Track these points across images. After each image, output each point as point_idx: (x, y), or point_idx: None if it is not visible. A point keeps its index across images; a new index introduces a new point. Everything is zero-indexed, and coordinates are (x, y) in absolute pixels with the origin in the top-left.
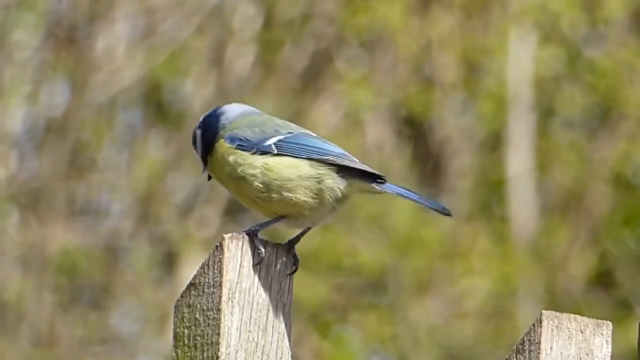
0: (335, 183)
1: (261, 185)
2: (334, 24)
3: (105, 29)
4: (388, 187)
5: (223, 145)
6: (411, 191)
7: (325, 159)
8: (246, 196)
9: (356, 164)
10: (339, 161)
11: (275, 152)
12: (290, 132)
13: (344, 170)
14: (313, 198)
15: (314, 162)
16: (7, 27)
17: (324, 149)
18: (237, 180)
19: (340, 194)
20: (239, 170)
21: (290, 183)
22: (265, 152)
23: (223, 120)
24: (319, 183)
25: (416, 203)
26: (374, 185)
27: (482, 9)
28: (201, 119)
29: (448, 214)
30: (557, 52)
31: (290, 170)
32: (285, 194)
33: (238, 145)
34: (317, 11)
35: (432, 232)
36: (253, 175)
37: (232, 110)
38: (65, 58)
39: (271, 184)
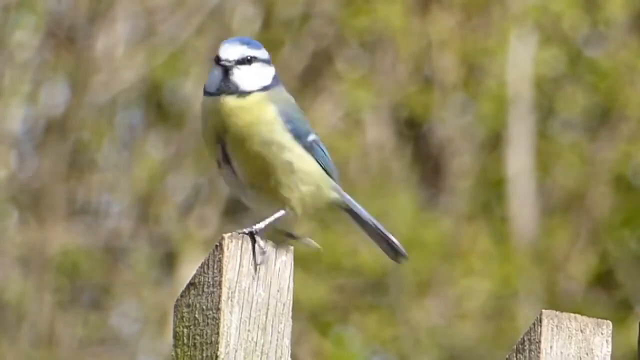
0: (323, 196)
1: (288, 171)
2: (333, 24)
3: (105, 29)
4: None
5: (271, 116)
6: (377, 222)
7: (328, 174)
8: (262, 169)
9: (340, 191)
10: (335, 182)
11: (310, 149)
12: (317, 134)
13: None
14: (307, 200)
15: (322, 171)
16: (7, 27)
17: (330, 167)
18: (270, 155)
19: (321, 206)
20: (276, 149)
21: (307, 180)
22: (305, 146)
23: (264, 72)
24: (318, 190)
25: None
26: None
27: (482, 10)
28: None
29: (401, 260)
30: (557, 53)
31: (313, 170)
32: (302, 187)
33: (290, 128)
34: (317, 11)
35: (433, 233)
36: (289, 161)
37: (266, 73)
38: (65, 58)
39: (296, 174)
